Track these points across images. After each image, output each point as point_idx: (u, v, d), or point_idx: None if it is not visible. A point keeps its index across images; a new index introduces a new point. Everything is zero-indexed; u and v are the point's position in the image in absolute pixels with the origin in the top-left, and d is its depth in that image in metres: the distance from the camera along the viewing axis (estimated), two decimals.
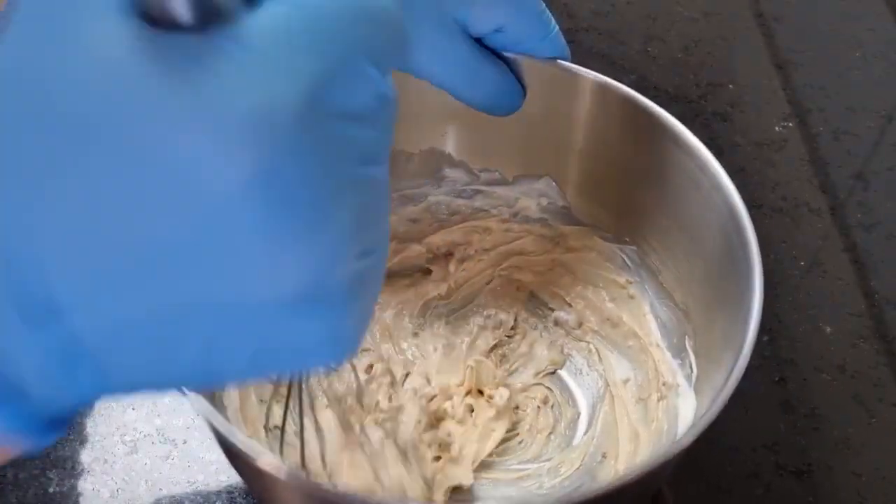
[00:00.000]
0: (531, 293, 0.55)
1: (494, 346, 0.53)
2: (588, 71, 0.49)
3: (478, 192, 0.55)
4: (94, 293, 0.21)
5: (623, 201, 0.51)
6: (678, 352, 0.48)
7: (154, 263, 0.21)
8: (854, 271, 0.58)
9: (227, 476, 0.46)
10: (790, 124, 0.67)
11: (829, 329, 0.55)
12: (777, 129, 0.67)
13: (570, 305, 0.54)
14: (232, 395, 0.44)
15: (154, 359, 0.22)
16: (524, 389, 0.51)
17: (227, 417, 0.41)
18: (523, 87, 0.48)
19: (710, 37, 0.75)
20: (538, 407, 0.51)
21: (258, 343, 0.22)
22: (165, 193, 0.20)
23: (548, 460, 0.48)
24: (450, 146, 0.54)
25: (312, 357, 0.23)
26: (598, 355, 0.52)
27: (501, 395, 0.49)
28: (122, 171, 0.20)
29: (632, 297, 0.52)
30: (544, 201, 0.54)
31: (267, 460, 0.33)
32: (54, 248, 0.21)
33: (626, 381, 0.50)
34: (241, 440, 0.34)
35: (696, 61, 0.72)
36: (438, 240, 0.56)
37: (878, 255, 0.59)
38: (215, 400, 0.42)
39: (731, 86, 0.70)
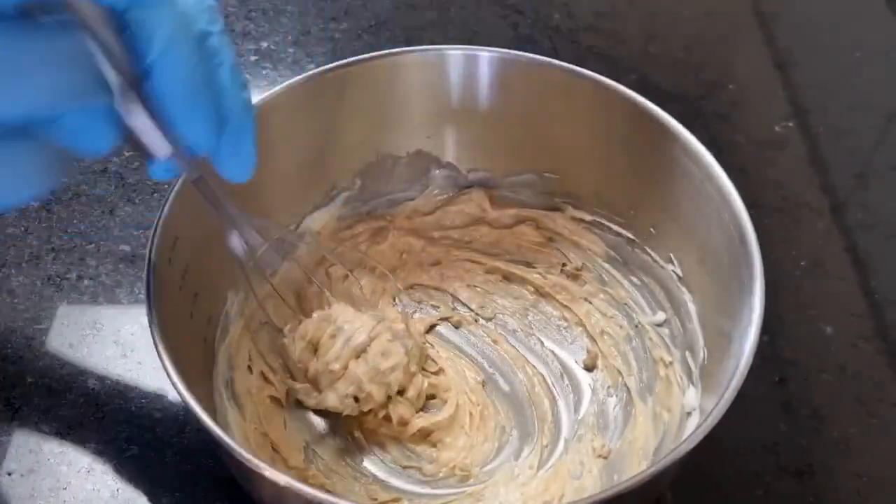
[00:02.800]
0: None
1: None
2: (588, 72, 0.49)
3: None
4: None
5: (622, 201, 0.51)
6: (680, 352, 0.48)
7: None
8: (855, 271, 0.57)
9: (228, 475, 0.46)
10: (791, 124, 0.67)
11: (829, 329, 0.54)
12: (777, 128, 0.67)
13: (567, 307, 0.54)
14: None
15: None
16: None
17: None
18: None
19: (710, 36, 0.75)
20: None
21: None
22: None
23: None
24: (440, 148, 0.54)
25: None
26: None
27: None
28: None
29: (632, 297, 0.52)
30: (541, 199, 0.54)
31: (270, 472, 0.34)
32: None
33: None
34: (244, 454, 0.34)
35: (697, 61, 0.72)
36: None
37: (878, 256, 0.58)
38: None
39: (731, 85, 0.70)
